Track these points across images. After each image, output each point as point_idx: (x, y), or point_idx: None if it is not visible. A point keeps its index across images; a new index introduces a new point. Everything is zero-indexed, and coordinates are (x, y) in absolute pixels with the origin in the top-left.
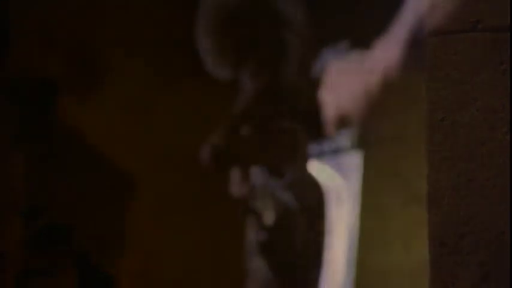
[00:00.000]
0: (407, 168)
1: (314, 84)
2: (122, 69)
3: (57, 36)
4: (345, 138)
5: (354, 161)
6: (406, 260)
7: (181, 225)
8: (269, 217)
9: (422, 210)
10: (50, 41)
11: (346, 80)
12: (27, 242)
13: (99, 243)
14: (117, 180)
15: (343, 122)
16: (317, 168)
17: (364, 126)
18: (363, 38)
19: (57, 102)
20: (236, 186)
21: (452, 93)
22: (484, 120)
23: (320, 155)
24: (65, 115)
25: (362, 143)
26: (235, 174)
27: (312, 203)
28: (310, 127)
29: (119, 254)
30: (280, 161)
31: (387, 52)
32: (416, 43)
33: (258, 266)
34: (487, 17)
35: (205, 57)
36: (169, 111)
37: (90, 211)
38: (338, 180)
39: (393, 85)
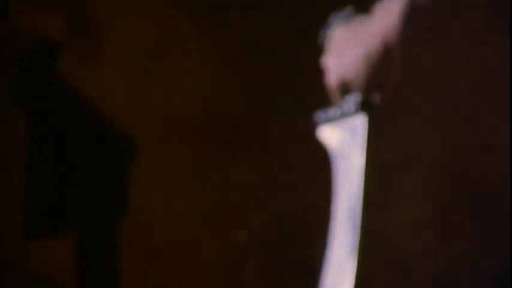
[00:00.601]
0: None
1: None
2: (123, 30)
3: None
4: (349, 103)
5: (360, 124)
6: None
7: (182, 189)
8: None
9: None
10: (50, 2)
11: (348, 46)
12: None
13: (98, 205)
14: (117, 142)
15: (346, 87)
16: (324, 134)
17: (367, 91)
18: (366, 3)
19: (57, 64)
20: None
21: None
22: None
23: (326, 121)
24: (65, 76)
25: (366, 107)
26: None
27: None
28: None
29: (119, 217)
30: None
31: (387, 16)
32: (417, 7)
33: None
34: None
35: None
36: (172, 73)
37: (89, 172)
38: (345, 144)
39: (393, 51)
